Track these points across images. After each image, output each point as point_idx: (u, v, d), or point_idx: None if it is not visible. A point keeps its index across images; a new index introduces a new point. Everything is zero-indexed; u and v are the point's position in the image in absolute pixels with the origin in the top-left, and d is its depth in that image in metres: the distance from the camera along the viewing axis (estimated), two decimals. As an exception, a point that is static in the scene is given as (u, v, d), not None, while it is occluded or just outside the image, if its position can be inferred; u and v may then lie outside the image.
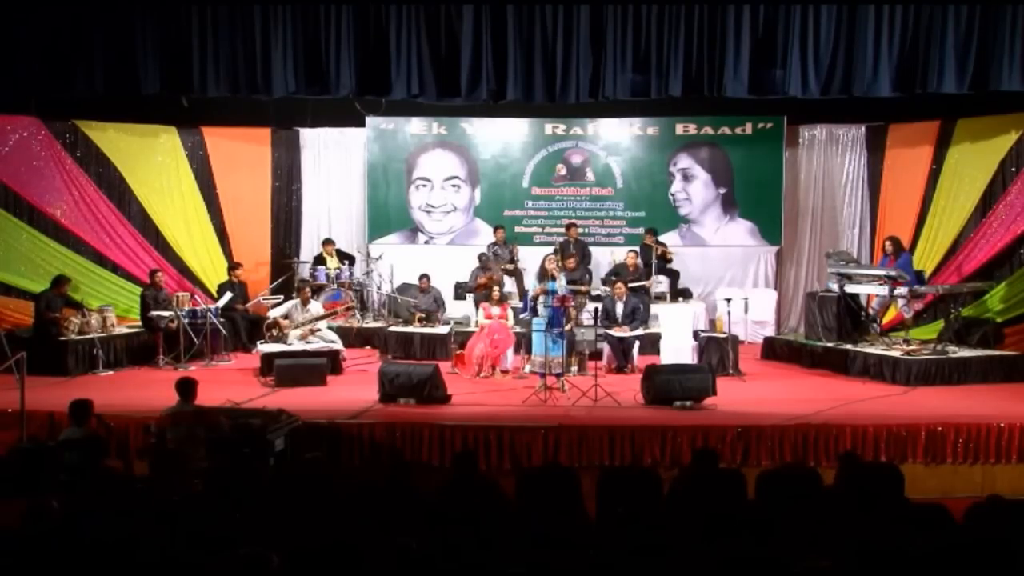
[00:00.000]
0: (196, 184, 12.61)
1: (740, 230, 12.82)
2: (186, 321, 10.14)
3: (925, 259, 11.46)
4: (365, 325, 11.84)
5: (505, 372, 9.80)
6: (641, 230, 12.59)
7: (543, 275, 9.50)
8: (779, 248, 12.79)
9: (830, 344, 10.15)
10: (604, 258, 12.62)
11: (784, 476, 4.94)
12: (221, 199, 12.75)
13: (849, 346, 9.96)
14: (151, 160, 12.37)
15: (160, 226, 12.39)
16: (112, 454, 6.73)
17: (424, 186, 13.12)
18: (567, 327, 9.69)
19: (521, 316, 10.28)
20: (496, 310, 10.11)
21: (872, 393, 8.74)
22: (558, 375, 8.94)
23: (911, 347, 9.59)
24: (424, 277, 11.45)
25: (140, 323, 10.65)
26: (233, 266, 11.74)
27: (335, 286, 11.94)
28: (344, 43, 9.66)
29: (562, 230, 12.60)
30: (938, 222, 11.62)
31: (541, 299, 9.30)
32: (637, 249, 11.98)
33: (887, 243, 10.66)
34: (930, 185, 11.78)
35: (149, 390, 8.68)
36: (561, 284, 9.35)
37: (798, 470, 5.29)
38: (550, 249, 11.79)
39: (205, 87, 9.76)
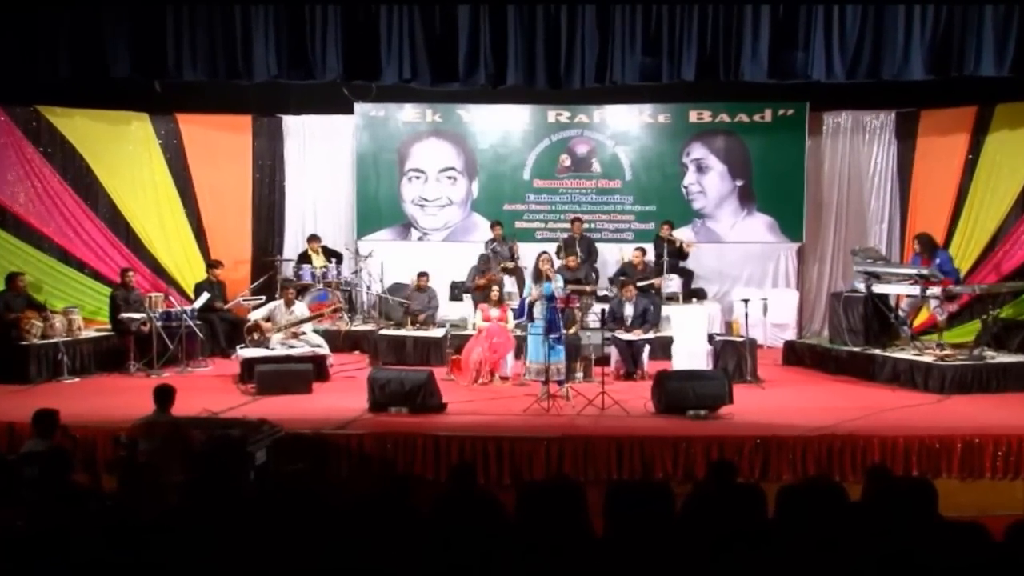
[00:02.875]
0: (170, 175, 12.59)
1: (759, 225, 12.81)
2: (159, 324, 10.14)
3: (960, 256, 11.43)
4: (354, 328, 11.85)
5: (505, 379, 9.78)
6: (652, 225, 12.60)
7: (537, 276, 9.47)
8: (801, 245, 12.79)
9: (856, 348, 10.14)
10: (611, 256, 12.62)
11: (807, 491, 4.92)
12: (198, 192, 12.75)
13: (877, 351, 9.95)
14: (121, 149, 12.36)
15: (131, 221, 12.37)
16: (78, 468, 6.71)
17: (417, 178, 13.12)
18: (572, 330, 9.69)
19: (516, 322, 10.26)
20: (495, 312, 10.10)
21: (903, 402, 8.74)
22: (561, 382, 8.93)
23: (945, 352, 9.58)
24: (423, 275, 11.45)
25: (109, 326, 10.65)
26: (211, 264, 11.74)
27: (321, 286, 11.95)
28: (331, 23, 9.64)
29: (566, 225, 12.61)
30: (974, 216, 11.62)
31: (538, 304, 9.30)
32: (644, 247, 11.98)
33: (916, 242, 10.66)
34: (966, 176, 11.78)
35: (119, 398, 8.67)
36: (557, 286, 9.34)
37: (822, 485, 5.27)
38: (553, 246, 11.83)
39: (180, 71, 9.74)
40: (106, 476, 6.72)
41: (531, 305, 9.36)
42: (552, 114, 12.94)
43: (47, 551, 3.87)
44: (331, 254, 12.59)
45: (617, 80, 9.78)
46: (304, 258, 12.42)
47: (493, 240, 12.22)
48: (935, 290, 9.76)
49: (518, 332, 10.29)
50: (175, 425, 6.57)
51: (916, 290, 9.90)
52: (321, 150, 13.27)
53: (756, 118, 12.68)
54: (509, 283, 11.96)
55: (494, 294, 10.30)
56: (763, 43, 9.51)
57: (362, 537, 4.26)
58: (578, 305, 10.04)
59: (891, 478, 5.47)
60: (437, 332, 10.97)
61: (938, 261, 10.08)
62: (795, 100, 12.31)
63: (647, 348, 10.15)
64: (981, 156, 11.64)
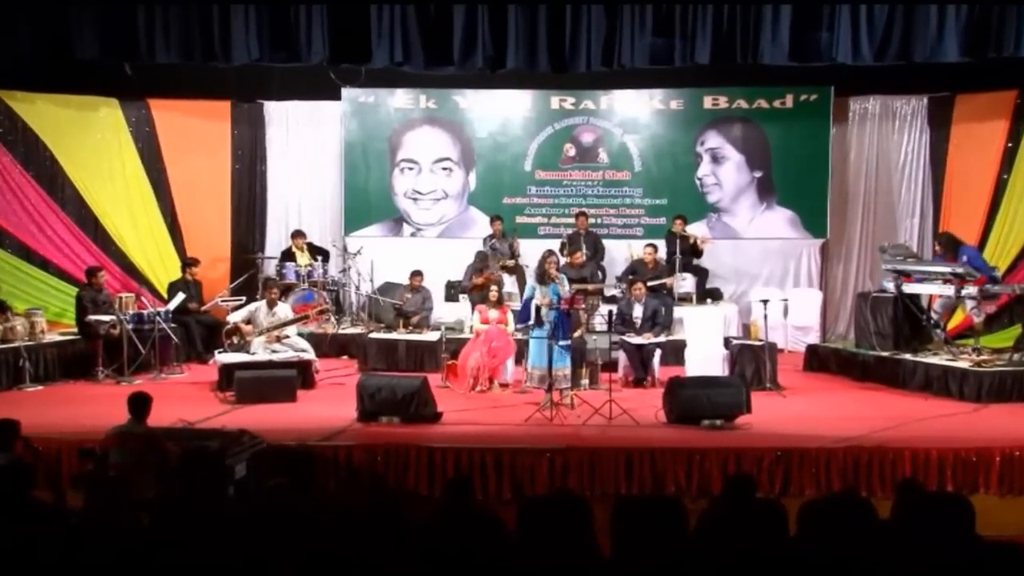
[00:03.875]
0: (142, 166, 12.61)
1: (779, 220, 12.81)
2: (130, 327, 10.13)
3: (999, 253, 11.45)
4: (341, 331, 11.86)
5: (504, 386, 9.78)
6: (663, 220, 12.61)
7: (543, 277, 9.41)
8: (825, 241, 12.79)
9: (885, 353, 10.14)
10: (620, 253, 12.63)
11: (831, 508, 4.91)
12: (172, 184, 12.75)
13: (908, 356, 9.96)
14: (89, 138, 12.36)
15: (99, 215, 12.38)
16: (40, 483, 6.70)
17: (410, 169, 13.12)
18: (577, 333, 9.66)
19: (518, 326, 10.22)
20: (494, 313, 10.10)
21: (936, 411, 8.74)
22: (564, 389, 8.92)
23: (982, 357, 9.57)
24: (417, 274, 11.44)
25: (76, 329, 10.65)
26: (187, 262, 11.75)
27: (306, 286, 11.95)
28: (316, 2, 9.62)
29: (570, 220, 12.61)
30: (1014, 209, 11.62)
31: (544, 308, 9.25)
32: (655, 243, 11.97)
33: (937, 243, 10.64)
34: (1004, 166, 11.79)
35: (86, 408, 8.69)
36: (564, 288, 9.27)
37: (848, 501, 5.26)
38: (556, 243, 11.82)
39: (153, 52, 9.72)
40: (71, 492, 6.70)
41: (538, 308, 9.28)
42: (556, 100, 12.94)
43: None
44: (317, 251, 12.59)
45: (626, 63, 9.76)
46: (288, 256, 12.42)
47: (492, 236, 12.22)
48: (971, 290, 9.73)
49: (518, 335, 10.28)
50: (151, 437, 6.56)
51: (950, 290, 9.88)
52: (306, 139, 13.27)
53: (776, 104, 12.68)
54: (509, 283, 11.95)
55: (493, 294, 10.28)
56: (784, 23, 9.48)
57: (350, 557, 4.26)
58: (583, 306, 10.02)
59: (924, 494, 5.45)
60: (431, 335, 10.95)
61: (965, 259, 10.04)
62: (819, 84, 12.31)
63: (658, 353, 10.14)
64: (1022, 144, 11.64)
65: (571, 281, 10.30)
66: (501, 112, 13.03)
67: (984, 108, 12.00)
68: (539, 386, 9.03)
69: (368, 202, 13.10)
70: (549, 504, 5.12)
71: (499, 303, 10.27)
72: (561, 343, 9.01)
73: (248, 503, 6.05)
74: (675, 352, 10.45)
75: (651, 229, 12.73)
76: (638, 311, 10.31)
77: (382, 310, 12.01)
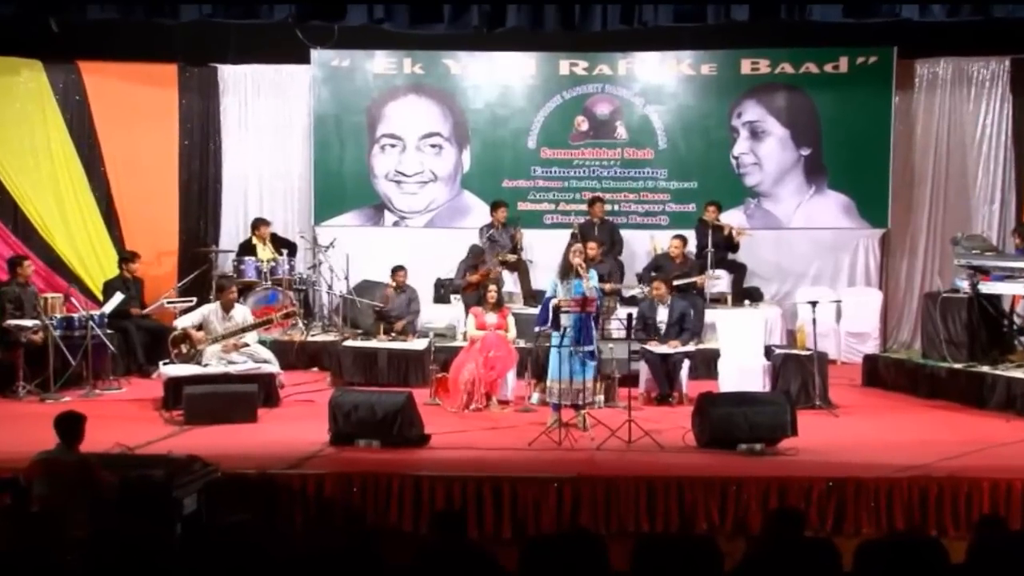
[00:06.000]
0: (71, 141, 12.61)
1: (830, 207, 12.83)
2: (58, 333, 10.14)
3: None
4: (311, 338, 11.86)
5: (504, 403, 9.82)
6: (692, 207, 12.63)
7: (567, 272, 9.28)
8: (885, 231, 12.81)
9: (958, 365, 10.14)
10: (641, 246, 12.66)
11: (894, 549, 4.93)
12: (107, 162, 12.76)
13: (986, 368, 9.95)
14: (7, 108, 12.37)
15: (19, 199, 12.38)
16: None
17: (393, 147, 13.13)
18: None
19: (536, 329, 10.13)
20: (492, 318, 10.10)
21: (1020, 434, 8.73)
22: (578, 407, 8.92)
23: (1074, 370, 9.60)
24: (400, 270, 11.45)
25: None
26: (125, 257, 11.75)
27: (269, 284, 11.95)
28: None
29: (583, 207, 12.61)
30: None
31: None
32: (683, 235, 11.98)
33: (1016, 235, 10.63)
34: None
35: (3, 430, 8.67)
36: (590, 285, 9.12)
37: (914, 541, 5.27)
38: (566, 233, 11.81)
39: (83, 5, 9.74)
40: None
41: (555, 309, 9.18)
42: (565, 64, 12.95)
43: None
44: (282, 244, 12.59)
45: (648, 21, 9.79)
46: (247, 249, 12.43)
47: (491, 226, 12.21)
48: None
49: (522, 343, 10.27)
50: (83, 464, 6.55)
51: (1035, 290, 9.90)
52: (268, 109, 13.27)
53: (828, 68, 12.68)
54: (510, 281, 11.96)
55: (491, 295, 10.28)
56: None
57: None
58: (597, 307, 9.99)
59: (1006, 533, 5.46)
60: (418, 343, 10.98)
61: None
62: (879, 45, 12.31)
63: (686, 364, 10.14)
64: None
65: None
66: (500, 79, 13.03)
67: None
68: (561, 401, 8.90)
69: (342, 185, 13.11)
70: (557, 543, 5.14)
71: (498, 305, 10.27)
72: (585, 350, 8.96)
73: (199, 543, 6.05)
74: (706, 363, 10.49)
75: (678, 217, 12.75)
76: (663, 315, 10.31)
77: (359, 313, 12.01)
